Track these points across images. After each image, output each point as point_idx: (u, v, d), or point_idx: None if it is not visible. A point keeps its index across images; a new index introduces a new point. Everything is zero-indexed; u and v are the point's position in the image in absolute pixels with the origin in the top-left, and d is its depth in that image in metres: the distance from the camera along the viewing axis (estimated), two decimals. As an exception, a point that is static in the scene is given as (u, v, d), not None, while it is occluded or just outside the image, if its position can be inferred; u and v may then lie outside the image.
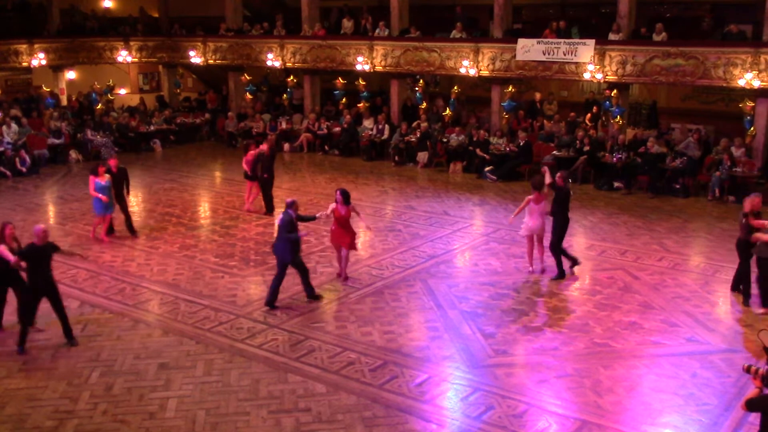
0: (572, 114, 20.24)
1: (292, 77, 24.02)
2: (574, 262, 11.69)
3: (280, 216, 10.53)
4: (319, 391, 8.08)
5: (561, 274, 11.46)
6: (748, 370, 6.10)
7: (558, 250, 11.46)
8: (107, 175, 13.29)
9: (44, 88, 23.47)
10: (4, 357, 8.98)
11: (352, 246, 11.41)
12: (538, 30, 19.60)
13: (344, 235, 11.19)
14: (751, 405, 5.93)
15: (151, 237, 13.87)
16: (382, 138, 21.29)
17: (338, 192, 11.13)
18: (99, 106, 23.65)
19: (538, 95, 22.01)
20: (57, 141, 20.98)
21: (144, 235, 14.01)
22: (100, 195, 13.05)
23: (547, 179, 11.58)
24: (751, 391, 5.98)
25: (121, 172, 13.73)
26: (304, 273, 10.54)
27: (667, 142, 17.82)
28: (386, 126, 21.37)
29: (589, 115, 20.31)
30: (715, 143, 17.79)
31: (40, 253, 8.97)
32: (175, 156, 22.17)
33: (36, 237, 8.97)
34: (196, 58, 24.91)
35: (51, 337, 9.34)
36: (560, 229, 11.46)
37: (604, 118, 19.98)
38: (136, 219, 15.16)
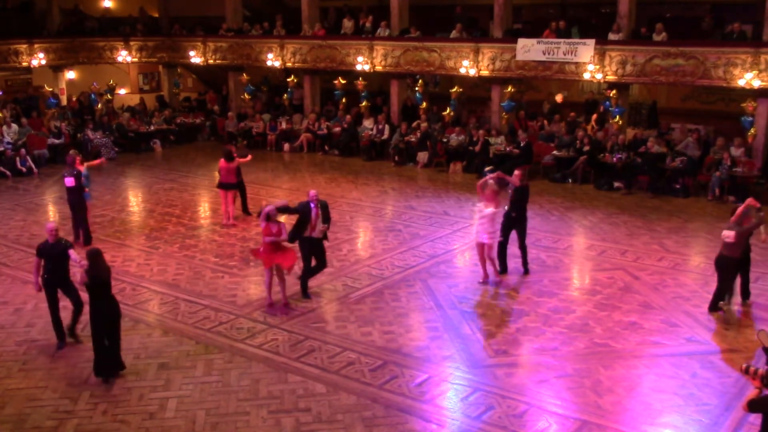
0: (572, 114, 20.22)
1: (292, 77, 24.02)
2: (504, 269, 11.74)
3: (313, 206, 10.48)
4: (319, 391, 8.08)
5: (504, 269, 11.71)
6: (746, 371, 6.09)
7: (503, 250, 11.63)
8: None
9: (46, 88, 23.48)
10: (4, 357, 8.99)
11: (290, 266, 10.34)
12: (538, 30, 19.58)
13: (280, 255, 10.21)
14: (752, 406, 5.92)
15: (151, 237, 13.88)
16: (382, 138, 21.29)
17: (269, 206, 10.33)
18: (99, 106, 23.67)
19: (560, 97, 21.65)
20: (57, 141, 20.99)
21: (144, 235, 14.02)
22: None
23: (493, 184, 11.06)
24: (752, 391, 5.98)
25: None
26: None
27: (667, 142, 17.81)
28: (386, 126, 21.36)
29: (595, 115, 20.15)
30: (714, 143, 17.79)
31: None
32: (175, 156, 22.17)
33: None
34: (196, 58, 24.90)
35: (51, 337, 9.35)
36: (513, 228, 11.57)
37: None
38: (136, 219, 15.23)
